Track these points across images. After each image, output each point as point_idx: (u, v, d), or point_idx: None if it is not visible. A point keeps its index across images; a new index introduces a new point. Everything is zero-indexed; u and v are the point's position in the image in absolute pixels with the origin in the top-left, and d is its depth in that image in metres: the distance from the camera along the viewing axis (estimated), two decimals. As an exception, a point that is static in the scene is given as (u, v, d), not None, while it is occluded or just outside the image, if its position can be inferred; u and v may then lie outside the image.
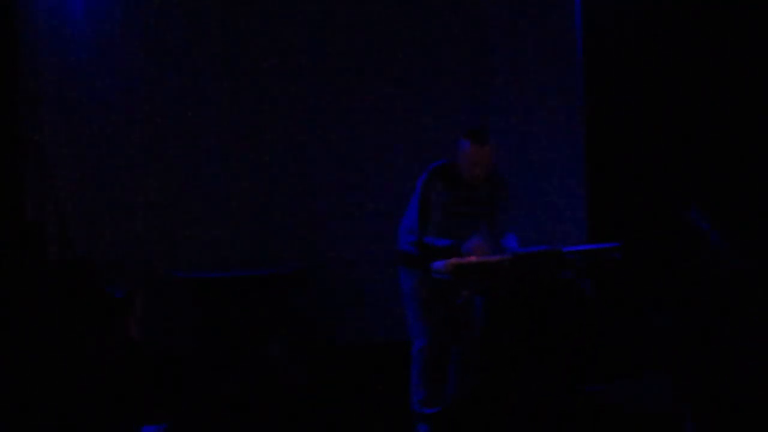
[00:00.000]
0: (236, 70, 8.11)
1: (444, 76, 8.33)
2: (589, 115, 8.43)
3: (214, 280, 7.72)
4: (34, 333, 6.33)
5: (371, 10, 8.26)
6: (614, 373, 7.23)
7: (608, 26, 8.39)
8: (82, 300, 6.61)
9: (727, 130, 8.37)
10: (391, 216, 7.05)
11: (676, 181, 8.33)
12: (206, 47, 8.07)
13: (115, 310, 6.68)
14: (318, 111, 8.21)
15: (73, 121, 7.88)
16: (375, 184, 8.19)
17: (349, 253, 8.21)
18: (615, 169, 8.39)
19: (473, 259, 6.37)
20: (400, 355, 6.99)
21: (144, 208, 8.00)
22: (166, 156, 8.03)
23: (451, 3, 8.35)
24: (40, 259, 7.71)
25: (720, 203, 7.56)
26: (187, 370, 7.60)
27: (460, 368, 6.86)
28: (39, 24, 7.81)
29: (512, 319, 6.64)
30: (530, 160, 8.42)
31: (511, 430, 6.67)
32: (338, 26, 8.22)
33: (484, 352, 6.73)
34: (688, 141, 8.39)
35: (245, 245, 8.11)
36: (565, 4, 8.45)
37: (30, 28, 7.77)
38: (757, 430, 6.18)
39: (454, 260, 6.33)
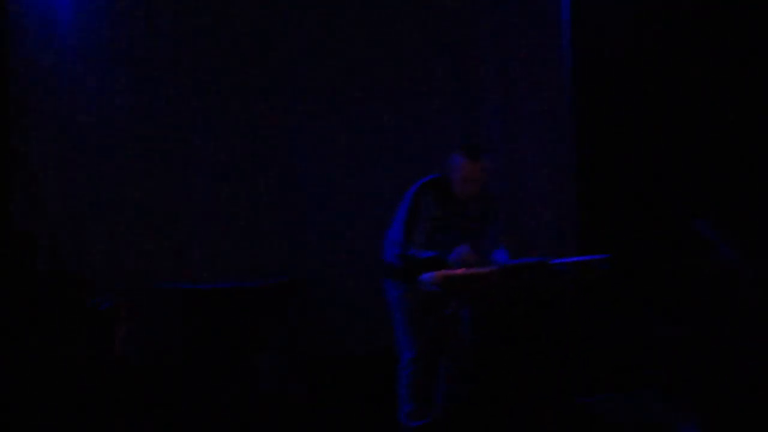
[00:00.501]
0: (225, 83, 8.11)
1: (434, 90, 8.32)
2: (579, 125, 8.41)
3: (202, 292, 7.70)
4: (22, 343, 6.31)
5: (359, 32, 8.25)
6: (604, 384, 7.21)
7: (598, 36, 8.39)
8: (69, 311, 6.60)
9: (717, 140, 8.37)
10: (380, 228, 7.02)
11: (668, 191, 8.33)
12: (195, 58, 8.07)
13: (102, 322, 6.67)
14: (308, 123, 8.21)
15: (60, 132, 7.87)
16: (365, 197, 8.18)
17: (338, 264, 8.21)
18: (605, 179, 8.38)
19: (461, 270, 6.35)
20: (388, 366, 6.97)
21: (132, 219, 7.98)
22: (155, 167, 8.02)
23: (441, 17, 8.34)
24: (30, 270, 7.69)
25: (714, 214, 7.56)
26: (174, 382, 7.58)
27: (447, 380, 6.83)
28: (27, 34, 7.80)
29: (501, 331, 6.64)
30: (520, 171, 8.40)
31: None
32: (328, 44, 8.21)
33: (472, 364, 6.71)
34: (679, 152, 8.39)
35: (234, 257, 8.10)
36: (554, 16, 8.43)
37: (18, 39, 7.75)
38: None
39: (442, 272, 6.31)
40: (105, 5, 7.93)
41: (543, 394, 6.69)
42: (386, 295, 6.85)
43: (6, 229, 7.71)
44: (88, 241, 7.91)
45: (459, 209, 6.68)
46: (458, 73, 8.35)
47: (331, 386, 7.94)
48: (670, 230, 8.23)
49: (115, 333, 6.71)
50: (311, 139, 8.21)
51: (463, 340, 6.76)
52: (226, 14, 8.10)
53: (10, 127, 7.76)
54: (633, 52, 8.40)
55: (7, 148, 7.75)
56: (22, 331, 6.37)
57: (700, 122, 8.38)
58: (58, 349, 6.44)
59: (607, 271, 6.43)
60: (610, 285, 6.75)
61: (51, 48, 7.84)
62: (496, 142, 8.35)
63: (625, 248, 7.74)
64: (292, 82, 8.19)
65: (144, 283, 7.89)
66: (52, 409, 6.20)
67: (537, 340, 6.70)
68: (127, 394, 6.61)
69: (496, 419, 6.89)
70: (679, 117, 8.39)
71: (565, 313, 6.82)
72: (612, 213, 8.32)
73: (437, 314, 6.69)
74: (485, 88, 8.39)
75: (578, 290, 6.65)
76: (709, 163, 8.34)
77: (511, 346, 6.68)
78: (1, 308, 6.47)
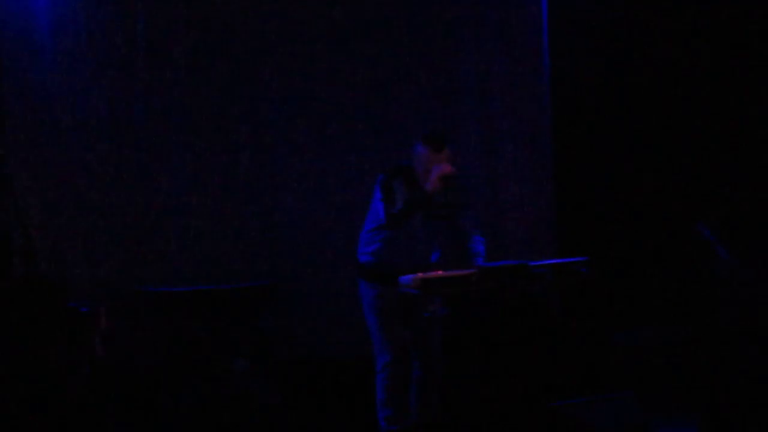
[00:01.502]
0: (203, 89, 8.10)
1: (411, 97, 8.31)
2: (556, 129, 8.43)
3: (180, 295, 7.67)
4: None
5: (338, 47, 8.26)
6: (581, 389, 7.22)
7: (577, 44, 8.41)
8: (46, 315, 6.56)
9: (694, 145, 8.40)
10: (356, 232, 7.00)
11: (645, 194, 8.36)
12: (172, 66, 8.06)
13: (80, 326, 6.63)
14: (285, 132, 8.21)
15: (37, 136, 7.86)
16: (342, 200, 8.16)
17: (315, 267, 8.18)
18: (583, 183, 8.40)
19: (440, 273, 6.32)
20: (366, 369, 6.94)
21: (109, 224, 7.97)
22: (132, 172, 8.01)
23: (420, 28, 8.33)
24: (5, 273, 7.67)
25: (691, 218, 7.60)
26: (151, 386, 7.55)
27: (423, 385, 6.77)
28: (4, 41, 7.79)
29: (478, 333, 6.62)
30: (498, 175, 8.40)
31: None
32: (309, 57, 8.21)
33: (449, 367, 6.70)
34: (656, 156, 8.41)
35: (211, 261, 8.08)
36: (533, 22, 8.45)
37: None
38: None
39: (420, 275, 6.26)
40: (83, 11, 7.91)
41: (520, 398, 6.69)
42: (360, 296, 6.78)
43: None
44: (64, 245, 7.90)
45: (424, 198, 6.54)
46: (437, 82, 8.34)
47: (308, 390, 7.93)
48: (648, 233, 8.27)
49: (92, 337, 6.68)
50: (288, 147, 8.20)
51: (437, 343, 6.72)
52: (205, 21, 8.09)
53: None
54: (611, 60, 8.42)
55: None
56: (-1, 335, 6.34)
57: (677, 127, 8.41)
58: (35, 354, 6.41)
59: (586, 274, 6.44)
60: (588, 287, 6.76)
61: (28, 53, 7.83)
62: (474, 146, 8.35)
63: (602, 251, 7.76)
64: (272, 92, 8.18)
65: (121, 286, 7.87)
66: (30, 413, 6.16)
67: (515, 342, 6.69)
68: (104, 397, 6.58)
69: (472, 423, 6.88)
70: (656, 122, 8.43)
71: (543, 316, 6.83)
72: (589, 216, 8.33)
73: (414, 317, 6.64)
74: (463, 95, 8.37)
75: (557, 293, 6.65)
76: (685, 167, 8.37)
77: (488, 349, 6.67)
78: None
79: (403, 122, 8.26)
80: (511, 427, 6.57)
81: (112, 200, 7.98)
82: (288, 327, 8.07)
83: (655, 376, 7.51)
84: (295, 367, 8.00)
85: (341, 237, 8.03)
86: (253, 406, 7.57)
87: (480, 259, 6.60)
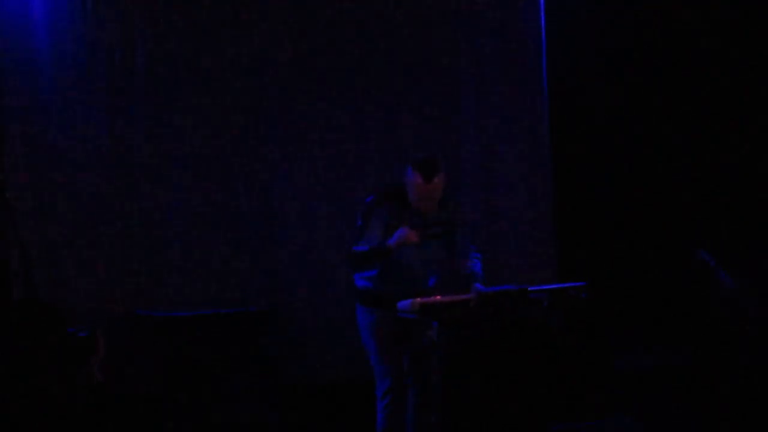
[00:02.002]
0: (201, 112, 8.11)
1: (412, 122, 8.33)
2: (556, 152, 8.43)
3: (179, 319, 7.66)
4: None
5: (332, 63, 8.28)
6: (581, 413, 7.20)
7: (576, 63, 8.42)
8: (44, 340, 6.55)
9: (696, 169, 8.40)
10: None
11: (646, 218, 8.35)
12: (171, 88, 8.06)
13: (78, 350, 6.61)
14: (284, 154, 8.21)
15: (35, 160, 7.85)
16: (341, 223, 8.16)
17: (315, 291, 8.19)
18: (583, 206, 8.40)
19: (438, 298, 6.31)
20: (366, 394, 6.92)
21: (107, 248, 7.95)
22: (130, 194, 8.00)
23: (422, 35, 8.35)
24: (3, 298, 7.65)
25: (693, 243, 7.59)
26: (150, 410, 7.53)
27: (421, 411, 6.68)
28: (4, 63, 7.78)
29: (478, 358, 6.61)
30: (497, 198, 8.41)
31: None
32: (306, 75, 8.23)
33: (448, 392, 6.66)
34: (657, 180, 8.41)
35: (210, 285, 8.08)
36: (532, 38, 8.46)
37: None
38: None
39: (419, 300, 6.25)
40: (83, 34, 7.92)
41: (520, 423, 6.67)
42: (358, 322, 6.74)
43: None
44: (62, 269, 7.88)
45: (416, 218, 6.52)
46: (437, 106, 8.36)
47: (308, 415, 7.91)
48: (648, 257, 8.25)
49: (91, 361, 6.66)
50: (288, 169, 8.21)
51: (435, 370, 6.55)
52: (202, 44, 8.10)
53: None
54: (611, 80, 8.44)
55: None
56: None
57: (679, 151, 8.41)
58: (32, 379, 6.39)
59: (585, 299, 6.43)
60: (588, 311, 6.75)
61: (28, 77, 7.82)
62: (473, 167, 8.35)
63: (602, 271, 7.75)
64: (270, 112, 8.19)
65: (121, 311, 7.86)
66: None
67: (514, 367, 6.68)
68: (102, 422, 6.56)
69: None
70: (658, 142, 8.43)
71: (543, 340, 6.81)
72: (590, 240, 8.33)
73: (412, 343, 6.60)
74: (463, 117, 8.39)
75: (557, 317, 6.64)
76: (688, 191, 8.36)
77: (488, 374, 6.65)
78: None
79: (403, 145, 8.26)
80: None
81: (110, 225, 7.96)
82: (288, 351, 8.04)
83: (655, 400, 7.49)
84: (295, 392, 7.98)
85: (341, 261, 8.01)
86: (253, 430, 7.55)
87: (478, 282, 6.55)
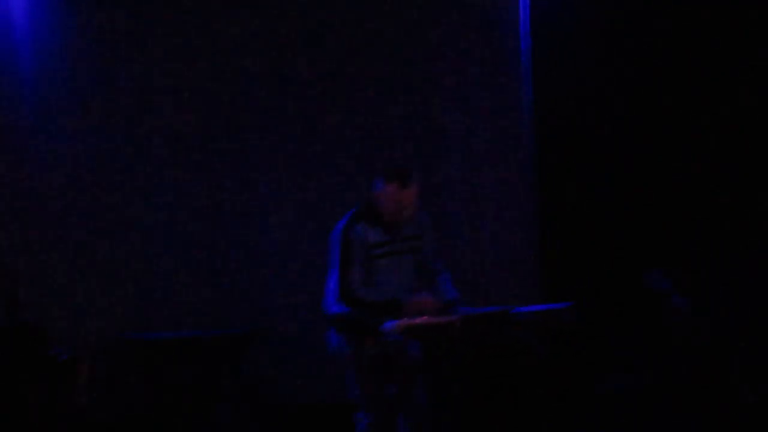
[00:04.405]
0: (185, 131, 8.10)
1: (393, 134, 8.30)
2: (540, 173, 8.42)
3: (163, 341, 7.64)
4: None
5: (313, 82, 8.27)
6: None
7: (559, 81, 8.40)
8: (28, 363, 6.53)
9: (680, 191, 8.38)
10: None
11: (631, 239, 8.33)
12: (154, 106, 8.07)
13: (62, 373, 6.59)
14: (270, 175, 8.21)
15: (17, 182, 7.84)
16: (324, 244, 8.11)
17: (298, 313, 8.15)
18: (568, 227, 8.37)
19: (424, 320, 6.22)
20: (350, 415, 6.87)
21: (92, 270, 7.95)
22: (115, 217, 8.00)
23: (401, 46, 8.32)
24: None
25: (676, 263, 7.57)
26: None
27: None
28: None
29: (462, 381, 6.55)
30: (481, 218, 8.37)
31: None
32: (288, 94, 8.22)
33: (434, 417, 6.59)
34: (642, 201, 8.39)
35: (196, 307, 8.06)
36: (516, 55, 8.44)
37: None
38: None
39: (405, 321, 6.18)
40: (64, 55, 7.92)
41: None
42: (334, 350, 6.50)
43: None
44: (47, 292, 7.86)
45: (393, 234, 6.43)
46: (419, 124, 8.34)
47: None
48: (630, 279, 8.22)
49: (75, 384, 6.64)
50: (273, 191, 8.20)
51: (422, 395, 6.43)
52: (184, 62, 8.11)
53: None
54: (595, 100, 8.42)
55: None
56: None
57: (664, 171, 8.40)
58: (14, 402, 6.37)
59: (571, 321, 6.39)
60: (573, 333, 6.71)
61: (9, 97, 7.82)
62: (457, 187, 8.32)
63: (587, 296, 7.72)
64: (255, 130, 8.19)
65: (104, 333, 7.83)
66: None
67: (499, 389, 6.65)
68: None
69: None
70: (640, 166, 8.41)
71: (528, 362, 6.77)
72: (574, 261, 8.30)
73: (396, 369, 6.39)
74: (447, 135, 8.36)
75: (542, 339, 6.60)
76: (673, 213, 8.35)
77: (472, 397, 6.60)
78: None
79: (385, 162, 8.24)
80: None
81: (95, 247, 7.96)
82: (272, 372, 8.03)
83: (639, 422, 7.46)
84: (280, 413, 7.95)
85: (323, 283, 7.98)
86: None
87: (457, 305, 6.44)
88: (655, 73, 8.42)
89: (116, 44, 8.03)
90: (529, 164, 8.41)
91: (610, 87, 8.41)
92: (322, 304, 6.59)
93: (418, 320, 6.20)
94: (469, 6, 8.35)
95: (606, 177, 8.39)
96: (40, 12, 7.89)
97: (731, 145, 8.32)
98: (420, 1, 8.33)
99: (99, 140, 8.00)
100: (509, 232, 8.37)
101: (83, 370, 6.66)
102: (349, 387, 6.48)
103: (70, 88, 7.95)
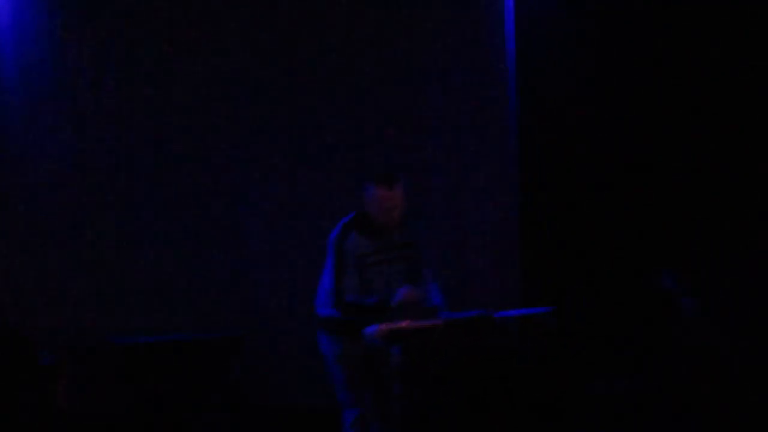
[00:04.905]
0: (170, 136, 8.11)
1: (375, 143, 8.31)
2: (523, 176, 8.41)
3: (147, 346, 7.62)
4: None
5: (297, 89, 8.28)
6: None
7: (544, 84, 8.42)
8: (9, 367, 6.52)
9: (665, 193, 8.38)
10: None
11: (613, 243, 8.33)
12: (138, 118, 8.07)
13: (44, 377, 6.59)
14: (253, 181, 8.21)
15: (2, 185, 7.84)
16: (312, 249, 8.12)
17: (285, 317, 8.16)
18: (549, 231, 8.37)
19: (406, 323, 6.26)
20: (337, 418, 6.87)
21: (74, 274, 7.95)
22: (99, 222, 8.00)
23: (384, 53, 8.33)
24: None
25: (662, 263, 7.57)
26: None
27: None
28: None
29: (442, 385, 6.56)
30: (463, 222, 8.38)
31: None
32: (269, 98, 8.23)
33: (412, 421, 6.60)
34: (626, 204, 8.39)
35: (179, 311, 8.06)
36: (499, 64, 8.44)
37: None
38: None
39: (385, 326, 6.22)
40: (50, 59, 7.93)
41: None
42: (322, 351, 6.70)
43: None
44: (29, 296, 7.86)
45: (386, 240, 6.56)
46: (403, 136, 8.34)
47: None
48: (616, 283, 8.22)
49: (57, 388, 6.64)
50: (257, 196, 8.21)
51: (396, 398, 6.49)
52: (169, 68, 8.11)
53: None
54: (581, 97, 8.43)
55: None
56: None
57: (648, 174, 8.40)
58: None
59: (554, 325, 6.41)
60: (557, 337, 6.72)
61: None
62: (439, 192, 8.32)
63: (568, 300, 7.73)
64: (237, 138, 8.19)
65: (88, 338, 7.82)
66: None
67: (481, 393, 6.65)
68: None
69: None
70: (624, 169, 8.41)
71: (510, 367, 6.78)
72: (556, 265, 8.30)
73: (379, 370, 6.51)
74: (430, 139, 8.36)
75: (524, 343, 6.61)
76: (657, 216, 8.34)
77: (452, 401, 6.61)
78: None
79: (376, 170, 8.23)
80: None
81: (79, 249, 7.96)
82: (258, 376, 8.02)
83: (628, 425, 7.46)
84: (266, 417, 7.95)
85: (312, 286, 7.97)
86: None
87: (440, 311, 6.50)
88: (641, 70, 8.44)
89: (102, 45, 8.03)
90: (512, 167, 8.40)
91: (596, 84, 8.43)
92: (315, 302, 6.76)
93: (400, 324, 6.24)
94: (457, 4, 8.36)
95: (591, 175, 8.40)
96: (25, 12, 7.90)
97: (729, 145, 8.33)
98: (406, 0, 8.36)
99: (86, 140, 8.00)
100: (491, 235, 8.37)
101: (67, 374, 6.66)
102: (336, 386, 6.66)
103: (55, 88, 7.95)
